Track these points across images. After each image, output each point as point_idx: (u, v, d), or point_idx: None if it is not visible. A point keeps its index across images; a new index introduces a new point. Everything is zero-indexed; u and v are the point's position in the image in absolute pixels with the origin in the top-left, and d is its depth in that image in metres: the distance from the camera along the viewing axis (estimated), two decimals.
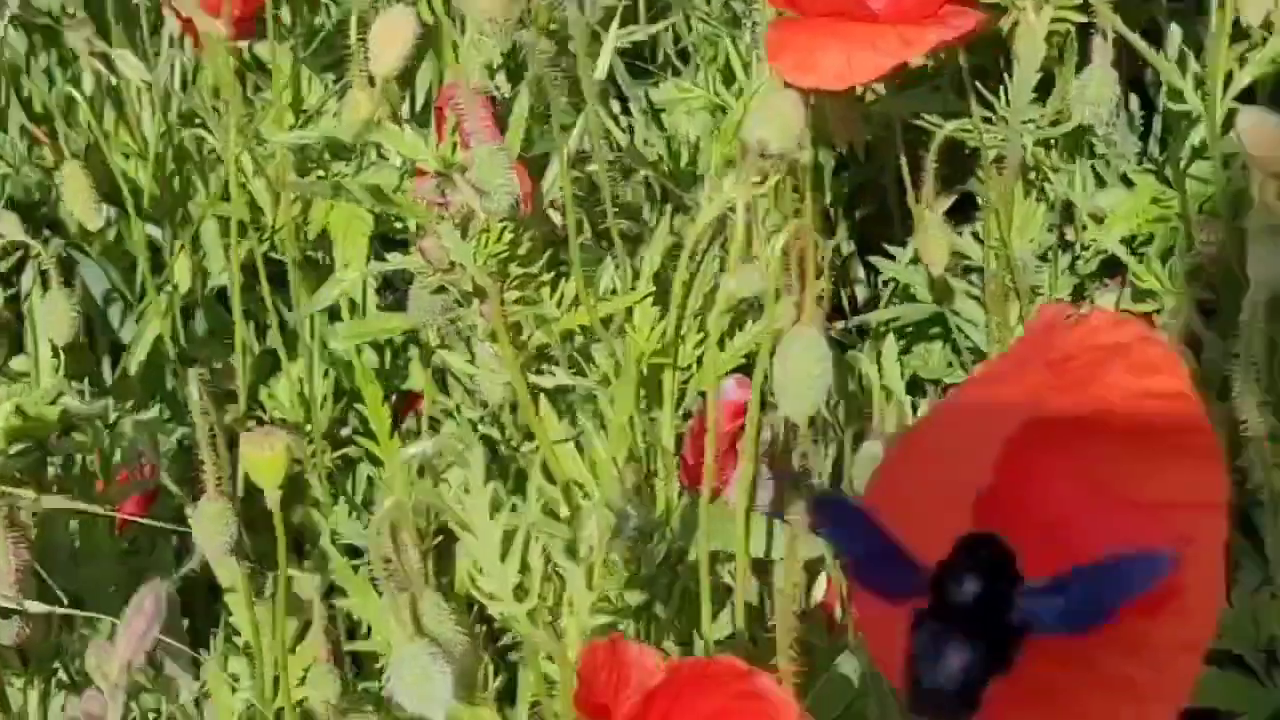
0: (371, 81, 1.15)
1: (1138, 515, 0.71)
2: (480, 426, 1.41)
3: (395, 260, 1.14)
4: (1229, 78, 1.14)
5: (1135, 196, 1.28)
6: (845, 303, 1.65)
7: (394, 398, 1.57)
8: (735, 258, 1.04)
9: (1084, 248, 1.33)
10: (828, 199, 1.66)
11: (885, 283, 1.55)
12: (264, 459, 0.96)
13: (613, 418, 1.08)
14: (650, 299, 1.19)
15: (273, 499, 0.97)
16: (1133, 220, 1.27)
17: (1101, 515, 0.71)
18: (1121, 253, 1.25)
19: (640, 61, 1.69)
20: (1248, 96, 1.22)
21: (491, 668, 0.96)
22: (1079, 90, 1.17)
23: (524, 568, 0.89)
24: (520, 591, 0.89)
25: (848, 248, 1.69)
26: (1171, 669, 0.71)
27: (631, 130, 1.60)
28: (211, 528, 1.01)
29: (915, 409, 1.47)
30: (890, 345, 1.46)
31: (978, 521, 0.63)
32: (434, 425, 1.58)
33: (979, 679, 0.62)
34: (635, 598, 1.22)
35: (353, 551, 1.37)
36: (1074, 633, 0.64)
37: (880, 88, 1.41)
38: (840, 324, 1.48)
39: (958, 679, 0.62)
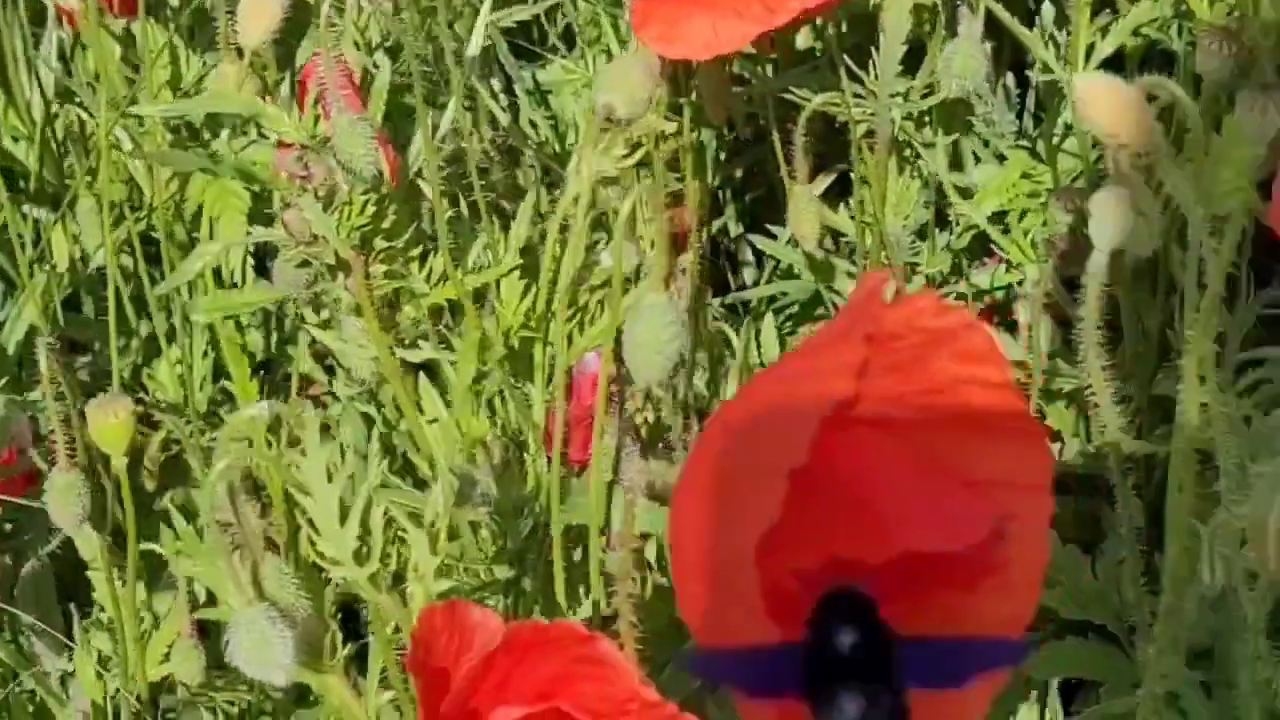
0: (240, 54, 1.14)
1: (966, 492, 0.71)
2: (357, 403, 1.40)
3: (259, 233, 1.13)
4: (1091, 49, 1.15)
5: (1006, 172, 1.29)
6: (734, 283, 1.65)
7: (289, 380, 1.57)
8: (619, 234, 1.04)
9: (958, 223, 1.34)
10: (716, 181, 1.66)
11: (775, 263, 1.56)
12: (108, 425, 0.95)
13: (454, 383, 1.08)
14: (518, 273, 1.18)
15: (118, 466, 0.96)
16: (1003, 195, 1.27)
17: (928, 492, 0.72)
18: (987, 226, 1.26)
19: (528, 43, 1.69)
20: (1118, 68, 1.22)
21: (340, 634, 0.95)
22: (946, 63, 1.18)
23: (365, 532, 0.88)
24: (361, 555, 0.88)
25: (736, 229, 1.69)
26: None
27: (516, 110, 1.60)
28: (63, 499, 1.00)
29: None
30: (769, 323, 1.46)
31: (793, 498, 0.64)
32: (319, 404, 1.58)
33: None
34: (504, 572, 1.22)
35: None
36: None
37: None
38: (717, 300, 1.48)
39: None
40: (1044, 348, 1.16)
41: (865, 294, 0.69)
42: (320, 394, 1.59)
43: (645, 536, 1.10)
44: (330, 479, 0.86)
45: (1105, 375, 0.93)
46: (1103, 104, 0.84)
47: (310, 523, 0.86)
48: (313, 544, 0.89)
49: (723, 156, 1.67)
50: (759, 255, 1.61)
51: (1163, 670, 0.90)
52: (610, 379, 1.14)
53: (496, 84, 1.57)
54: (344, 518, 0.88)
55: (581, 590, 1.16)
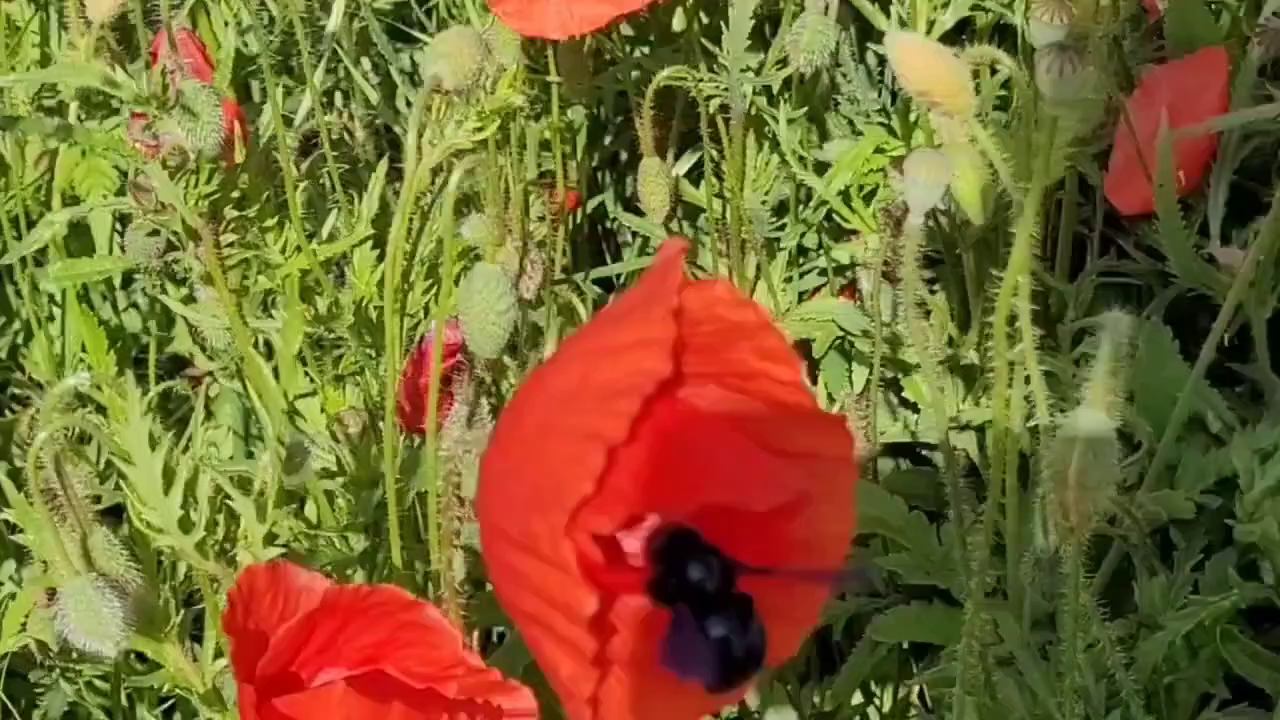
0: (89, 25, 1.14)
1: (784, 461, 0.73)
2: (222, 378, 1.41)
3: (108, 201, 1.13)
4: (933, 24, 1.16)
5: (859, 146, 1.30)
6: (610, 260, 1.66)
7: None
8: (449, 206, 1.05)
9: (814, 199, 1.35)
10: (595, 161, 1.67)
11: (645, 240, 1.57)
12: None
13: (280, 349, 1.08)
14: (371, 244, 1.19)
15: None
16: (855, 169, 1.29)
17: (750, 460, 0.73)
18: (834, 200, 1.27)
19: (405, 25, 1.69)
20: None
21: (174, 603, 0.95)
22: (795, 39, 1.19)
23: (190, 500, 0.88)
24: (187, 523, 0.89)
25: (615, 209, 1.70)
26: (804, 596, 0.73)
27: (395, 90, 1.61)
28: None
29: None
30: None
31: (616, 467, 0.64)
32: (197, 384, 1.58)
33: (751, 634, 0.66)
34: (359, 543, 1.23)
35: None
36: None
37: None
38: (579, 275, 1.49)
39: (738, 644, 0.65)
40: (885, 317, 1.18)
41: (662, 265, 0.69)
42: (202, 374, 1.59)
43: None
44: (153, 448, 0.86)
45: (936, 343, 0.95)
46: (915, 64, 0.85)
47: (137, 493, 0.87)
48: (138, 513, 0.89)
49: (608, 140, 1.68)
50: (636, 235, 1.63)
51: (979, 625, 0.92)
52: (456, 348, 1.15)
53: (368, 64, 1.58)
54: (168, 486, 0.88)
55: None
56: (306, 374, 1.28)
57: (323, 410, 1.26)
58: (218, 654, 0.98)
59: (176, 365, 1.60)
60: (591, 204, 1.63)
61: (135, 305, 1.62)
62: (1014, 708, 1.05)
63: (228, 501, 0.91)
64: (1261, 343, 1.16)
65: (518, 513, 0.65)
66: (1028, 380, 0.92)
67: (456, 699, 0.89)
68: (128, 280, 1.65)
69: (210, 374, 1.54)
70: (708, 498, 0.70)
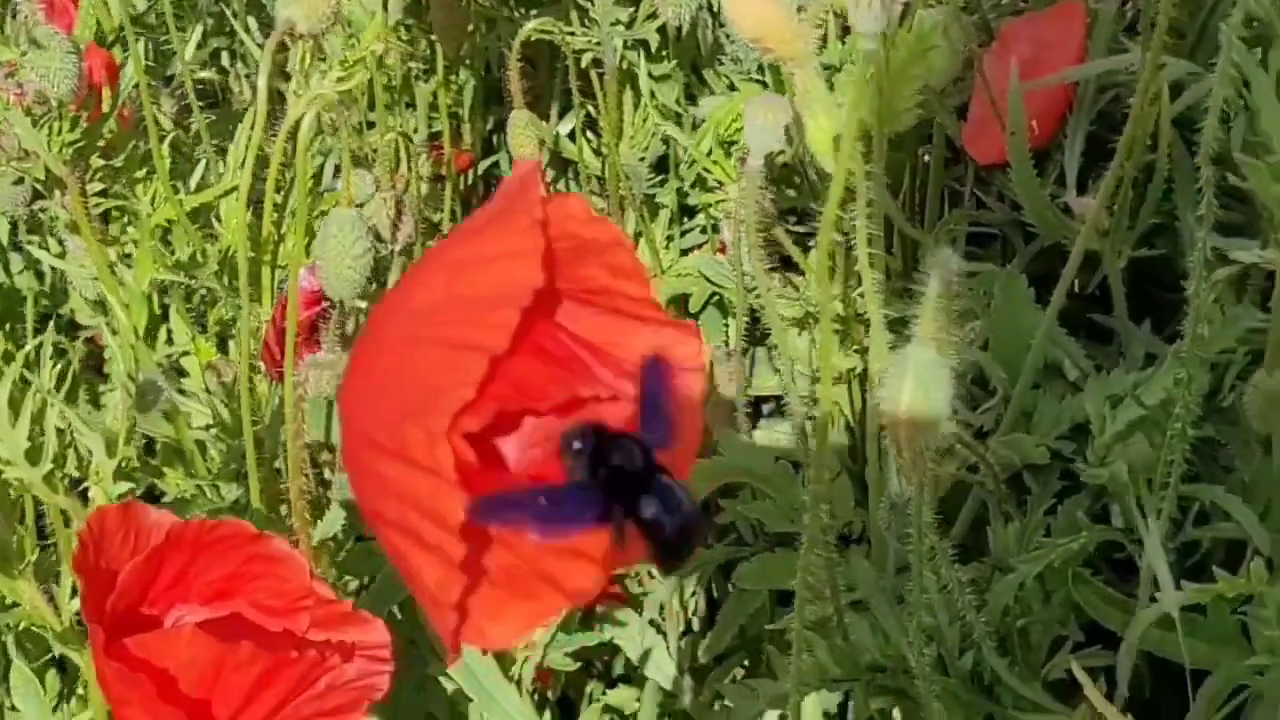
0: None
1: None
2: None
3: None
4: None
5: (730, 101, 1.31)
6: None
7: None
8: (304, 149, 1.05)
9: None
10: (490, 124, 1.68)
11: None
12: None
13: (132, 285, 1.09)
14: (237, 194, 1.19)
15: None
16: (726, 123, 1.30)
17: (605, 363, 0.74)
18: (699, 154, 1.28)
19: None
20: None
21: (29, 541, 0.96)
22: None
23: (38, 433, 0.89)
24: (35, 455, 0.89)
25: (509, 169, 1.71)
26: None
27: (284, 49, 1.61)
28: None
29: None
30: None
31: (499, 372, 0.65)
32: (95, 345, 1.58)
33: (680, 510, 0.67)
34: (230, 491, 1.24)
35: None
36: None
37: None
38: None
39: (676, 518, 0.66)
40: (747, 267, 1.19)
41: (520, 181, 0.70)
42: (99, 336, 1.59)
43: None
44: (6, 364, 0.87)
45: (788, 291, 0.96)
46: (747, 11, 0.86)
47: None
48: None
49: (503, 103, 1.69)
50: None
51: (813, 564, 0.93)
52: (320, 295, 1.15)
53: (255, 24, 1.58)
54: (15, 418, 0.88)
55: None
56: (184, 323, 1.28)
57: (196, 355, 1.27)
58: (74, 592, 0.98)
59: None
60: (484, 165, 1.64)
61: (30, 268, 1.62)
62: (866, 649, 1.07)
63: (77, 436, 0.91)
64: (1118, 292, 1.18)
65: (387, 420, 0.65)
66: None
67: (307, 637, 0.90)
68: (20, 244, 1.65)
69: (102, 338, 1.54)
70: (568, 394, 0.71)
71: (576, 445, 0.67)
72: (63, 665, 1.28)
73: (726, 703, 1.07)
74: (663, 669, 1.30)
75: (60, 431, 0.90)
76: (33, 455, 0.90)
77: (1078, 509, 1.09)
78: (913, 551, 1.00)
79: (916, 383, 0.83)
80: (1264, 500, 1.10)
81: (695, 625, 1.39)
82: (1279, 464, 1.08)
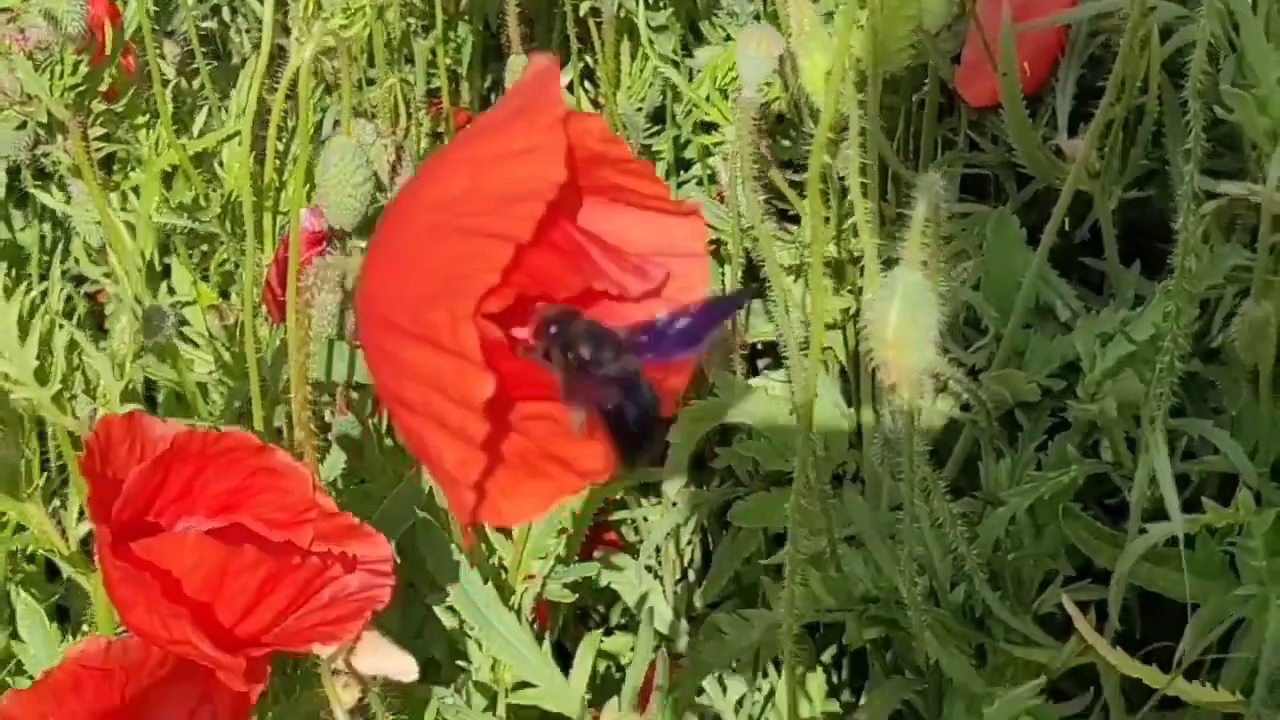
0: None
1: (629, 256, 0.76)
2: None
3: None
4: None
5: (727, 51, 1.33)
6: None
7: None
8: (305, 87, 1.06)
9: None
10: (488, 82, 1.69)
11: None
12: None
13: (139, 211, 1.10)
14: (240, 139, 1.21)
15: None
16: (723, 71, 1.31)
17: (616, 257, 0.75)
18: (696, 96, 1.30)
19: None
20: None
21: (37, 465, 0.97)
22: None
23: (46, 353, 0.90)
24: (43, 374, 0.90)
25: None
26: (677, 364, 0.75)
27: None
28: None
29: None
30: None
31: (520, 262, 0.67)
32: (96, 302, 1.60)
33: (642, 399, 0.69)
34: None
35: None
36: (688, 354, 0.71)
37: None
38: None
39: (634, 415, 0.68)
40: (743, 209, 1.20)
41: (537, 79, 0.71)
42: (101, 292, 1.61)
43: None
44: (8, 298, 0.88)
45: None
46: None
47: None
48: None
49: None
50: None
51: (804, 489, 0.94)
52: (321, 236, 1.17)
53: None
54: (24, 337, 0.90)
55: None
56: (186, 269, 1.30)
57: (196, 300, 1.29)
58: (82, 515, 1.00)
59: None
60: None
61: (39, 216, 1.63)
62: (859, 580, 1.08)
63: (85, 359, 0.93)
64: (1108, 233, 1.19)
65: (411, 305, 0.67)
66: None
67: (310, 549, 0.91)
68: (22, 200, 1.66)
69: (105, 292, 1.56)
70: (582, 285, 0.72)
71: (552, 329, 0.69)
72: (64, 615, 1.30)
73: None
74: (659, 613, 1.32)
75: (68, 357, 0.91)
76: (41, 375, 0.91)
77: (1068, 444, 1.11)
78: (904, 481, 1.02)
79: (904, 305, 0.84)
80: (1252, 436, 1.12)
81: (691, 575, 1.40)
82: (1266, 396, 1.09)
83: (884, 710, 1.10)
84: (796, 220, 1.33)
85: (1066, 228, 1.30)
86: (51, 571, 1.43)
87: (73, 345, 0.92)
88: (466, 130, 0.74)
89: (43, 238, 1.62)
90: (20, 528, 1.00)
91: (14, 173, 1.33)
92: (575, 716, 1.07)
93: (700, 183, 1.43)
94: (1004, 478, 1.11)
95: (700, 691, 1.34)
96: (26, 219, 1.65)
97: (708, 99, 1.30)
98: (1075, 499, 1.09)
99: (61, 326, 0.91)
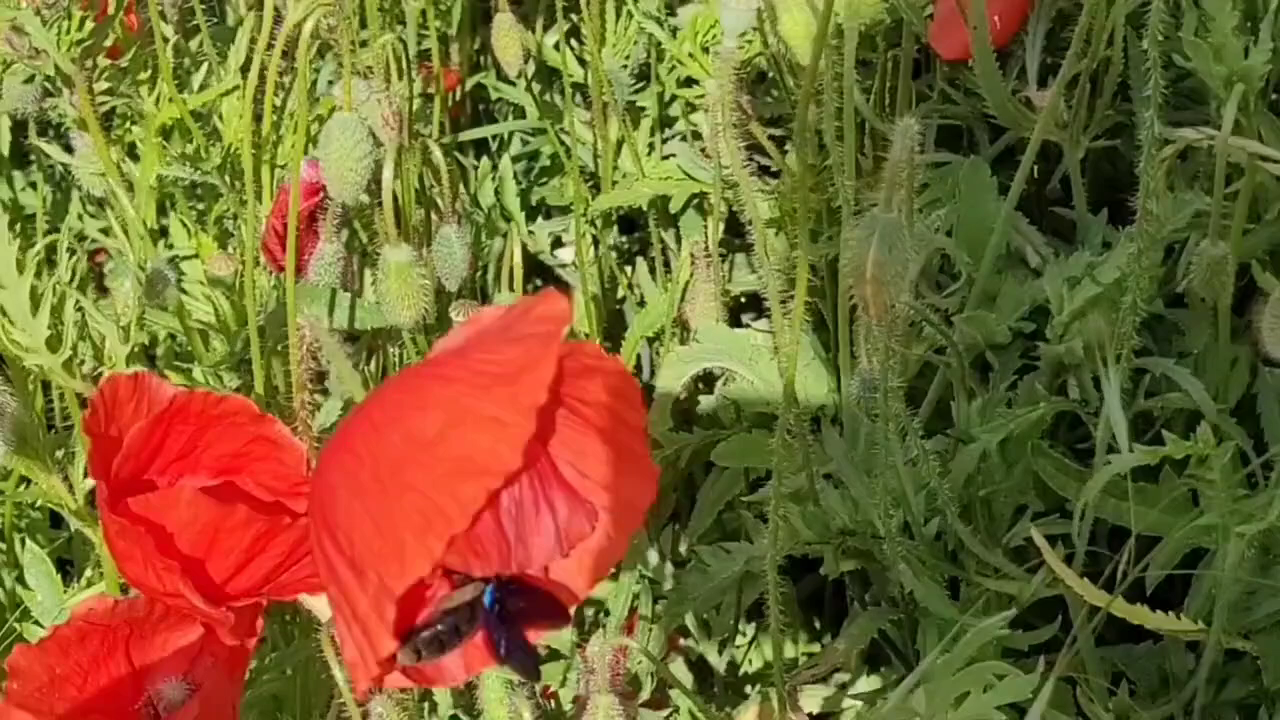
0: None
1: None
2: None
3: None
4: None
5: (709, 8, 1.37)
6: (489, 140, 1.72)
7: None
8: (304, 53, 1.10)
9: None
10: (477, 44, 1.73)
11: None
12: None
13: (139, 180, 1.14)
14: (239, 93, 1.25)
15: None
16: (704, 29, 1.36)
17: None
18: (679, 52, 1.34)
19: None
20: None
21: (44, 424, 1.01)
22: None
23: (57, 322, 0.94)
24: (54, 343, 0.94)
25: (496, 95, 1.76)
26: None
27: None
28: None
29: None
30: (506, 163, 1.54)
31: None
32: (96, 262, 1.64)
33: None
34: (231, 379, 1.29)
35: None
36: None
37: None
38: (446, 138, 1.55)
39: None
40: (725, 160, 1.24)
41: (543, 331, 0.67)
42: (96, 252, 1.64)
43: None
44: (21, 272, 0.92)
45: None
46: None
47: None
48: (7, 334, 0.94)
49: None
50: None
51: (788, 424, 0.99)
52: (318, 188, 1.21)
53: None
54: (35, 308, 0.94)
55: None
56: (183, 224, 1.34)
57: (197, 254, 1.32)
58: (89, 473, 1.03)
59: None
60: (471, 82, 1.69)
61: (33, 184, 1.67)
62: (836, 514, 1.13)
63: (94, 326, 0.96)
64: (1076, 181, 1.24)
65: (355, 536, 0.67)
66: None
67: (302, 511, 0.94)
68: (23, 162, 1.70)
69: (106, 251, 1.60)
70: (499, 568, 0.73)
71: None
72: (66, 570, 1.34)
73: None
74: (643, 555, 1.36)
75: (76, 321, 0.95)
76: (53, 344, 0.95)
77: (1037, 383, 1.15)
78: (879, 416, 1.07)
79: (880, 242, 0.89)
80: (1214, 376, 1.16)
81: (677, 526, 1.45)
82: (1224, 334, 1.14)
83: (861, 640, 1.15)
84: (777, 175, 1.37)
85: (1037, 177, 1.35)
86: (55, 520, 1.47)
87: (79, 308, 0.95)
88: (473, 334, 0.70)
89: (44, 199, 1.66)
90: (25, 480, 1.03)
91: (18, 128, 1.37)
92: (565, 650, 1.11)
93: (684, 139, 1.47)
94: (975, 416, 1.15)
95: (687, 634, 1.39)
96: (28, 178, 1.69)
97: (691, 56, 1.34)
98: (1048, 442, 1.14)
99: (70, 296, 0.94)
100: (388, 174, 1.05)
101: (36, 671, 0.85)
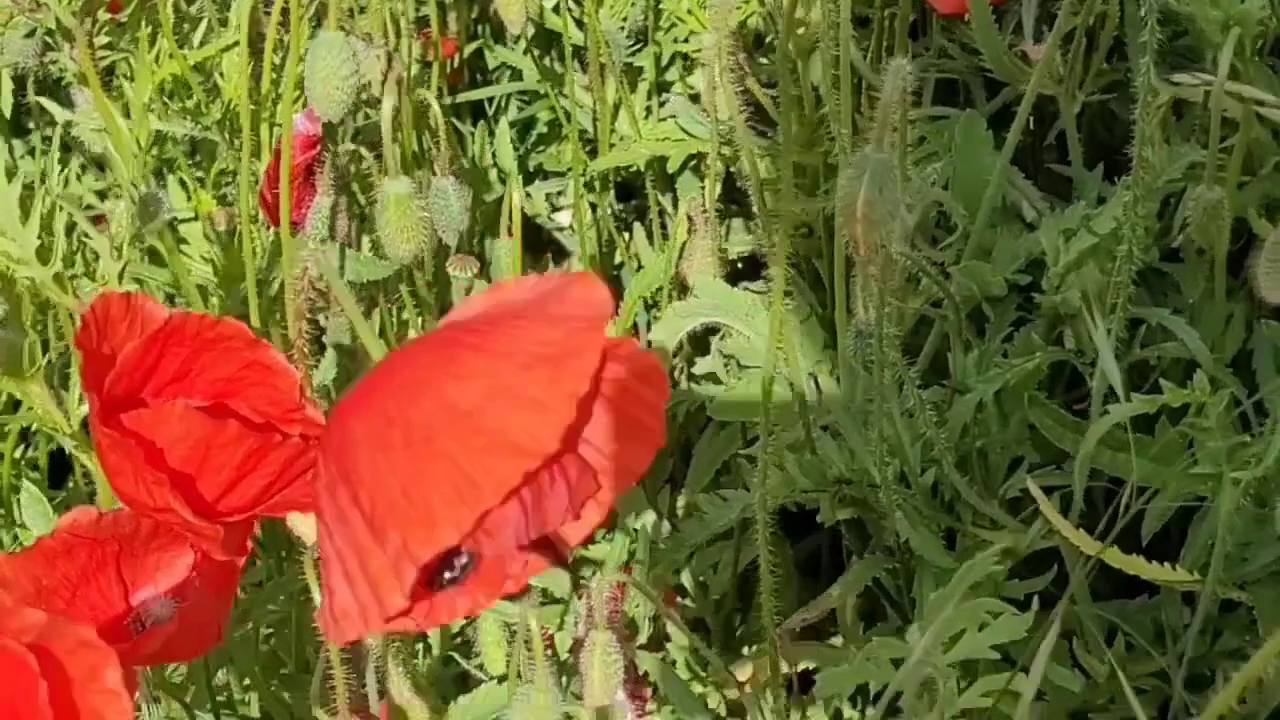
0: None
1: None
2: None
3: None
4: None
5: None
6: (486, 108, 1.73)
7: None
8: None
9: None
10: (474, 13, 1.74)
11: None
12: None
13: (133, 99, 1.14)
14: (238, 49, 1.25)
15: None
16: None
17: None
18: (678, 9, 1.34)
19: None
20: None
21: (40, 345, 1.01)
22: None
23: (47, 232, 0.94)
24: (45, 254, 0.94)
25: (494, 61, 1.77)
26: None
27: None
28: None
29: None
30: (504, 128, 1.55)
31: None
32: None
33: None
34: None
35: None
36: None
37: None
38: (451, 98, 1.56)
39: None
40: (723, 114, 1.25)
41: (585, 314, 0.67)
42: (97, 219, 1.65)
43: None
44: (10, 180, 0.92)
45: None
46: None
47: None
48: None
49: None
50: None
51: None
52: (315, 140, 1.21)
53: None
54: (25, 217, 0.94)
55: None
56: (182, 184, 1.34)
57: (196, 216, 1.33)
58: (84, 399, 1.03)
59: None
60: (469, 50, 1.70)
61: (32, 152, 1.68)
62: (833, 463, 1.13)
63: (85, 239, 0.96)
64: (1072, 135, 1.24)
65: (378, 495, 0.66)
66: None
67: (294, 435, 0.94)
68: (21, 131, 1.71)
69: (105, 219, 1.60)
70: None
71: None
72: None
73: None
74: (640, 514, 1.37)
75: (68, 239, 0.95)
76: (43, 255, 0.95)
77: (1033, 333, 1.16)
78: (875, 363, 1.07)
79: (872, 181, 0.89)
80: (1209, 327, 1.17)
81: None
82: (1220, 286, 1.14)
83: (856, 586, 1.15)
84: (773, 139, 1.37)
85: (1034, 136, 1.35)
86: (55, 480, 1.48)
87: (72, 228, 0.96)
88: (491, 305, 0.69)
89: (43, 164, 1.66)
90: (17, 404, 1.03)
91: (19, 84, 1.37)
92: (565, 595, 1.11)
93: (678, 115, 1.48)
94: (971, 367, 1.16)
95: (682, 592, 1.39)
96: (28, 146, 1.70)
97: (690, 13, 1.35)
98: (1046, 397, 1.14)
99: (61, 208, 0.94)
100: (387, 106, 1.05)
101: (22, 582, 0.85)
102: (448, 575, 0.71)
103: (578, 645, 1.07)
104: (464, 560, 0.71)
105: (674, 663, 1.24)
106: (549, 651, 1.18)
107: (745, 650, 1.40)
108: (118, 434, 0.86)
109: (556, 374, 0.64)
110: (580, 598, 0.98)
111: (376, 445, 0.66)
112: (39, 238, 0.94)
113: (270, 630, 1.22)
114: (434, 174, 1.26)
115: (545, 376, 0.64)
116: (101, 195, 1.55)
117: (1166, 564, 1.09)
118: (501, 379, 0.65)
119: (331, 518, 0.68)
